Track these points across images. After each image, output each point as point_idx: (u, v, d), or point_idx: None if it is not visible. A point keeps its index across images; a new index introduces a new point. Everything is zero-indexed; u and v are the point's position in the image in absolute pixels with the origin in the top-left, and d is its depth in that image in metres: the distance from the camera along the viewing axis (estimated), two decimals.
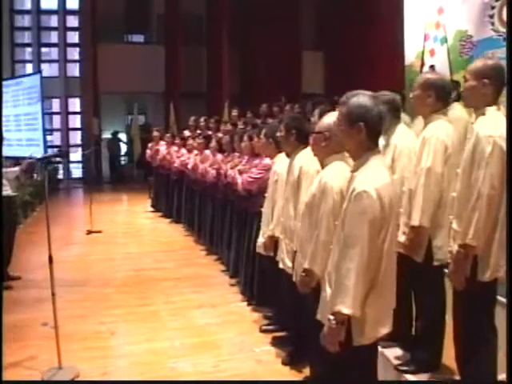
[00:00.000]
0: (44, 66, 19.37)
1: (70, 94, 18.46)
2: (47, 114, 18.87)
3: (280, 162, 3.71)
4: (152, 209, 10.74)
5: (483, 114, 2.49)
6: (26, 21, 19.10)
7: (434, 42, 7.29)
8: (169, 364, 3.63)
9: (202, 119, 9.79)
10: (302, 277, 2.64)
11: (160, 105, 17.68)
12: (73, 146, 18.91)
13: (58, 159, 13.89)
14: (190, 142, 8.41)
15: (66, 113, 19.00)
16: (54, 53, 19.40)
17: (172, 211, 9.41)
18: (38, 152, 19.63)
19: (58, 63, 19.14)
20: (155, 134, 10.72)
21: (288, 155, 3.50)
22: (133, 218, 10.31)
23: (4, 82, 18.93)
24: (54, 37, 19.31)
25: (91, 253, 7.26)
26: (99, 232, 8.57)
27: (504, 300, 2.61)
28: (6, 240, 5.64)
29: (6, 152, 21.58)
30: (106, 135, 18.86)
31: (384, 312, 2.15)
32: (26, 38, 19.40)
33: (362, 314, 2.06)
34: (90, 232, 8.57)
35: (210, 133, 8.57)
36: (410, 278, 2.87)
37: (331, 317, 2.05)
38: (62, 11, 18.84)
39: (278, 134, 3.46)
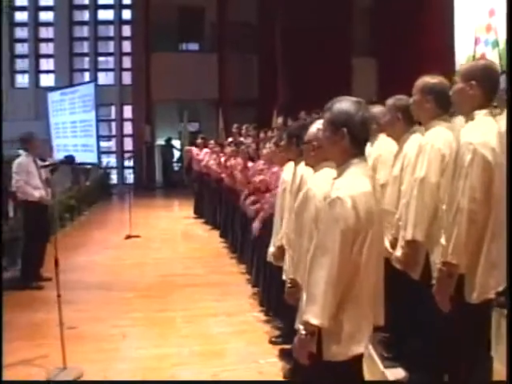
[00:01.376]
0: (101, 75, 20.13)
1: (125, 102, 19.04)
2: (104, 120, 19.59)
3: (288, 170, 3.66)
4: (194, 215, 10.86)
5: (472, 119, 2.31)
6: (84, 31, 19.85)
7: (485, 46, 7.00)
8: (170, 371, 3.63)
9: (234, 126, 9.87)
10: (287, 287, 2.57)
11: (213, 112, 17.93)
12: (127, 151, 19.49)
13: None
14: (227, 149, 8.48)
15: (121, 120, 19.66)
16: (110, 62, 20.08)
17: (212, 218, 9.49)
18: (92, 157, 20.19)
19: (114, 72, 19.82)
20: (199, 140, 10.90)
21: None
22: (173, 224, 10.46)
23: (62, 90, 19.84)
24: (110, 46, 20.00)
25: (124, 257, 7.40)
26: (137, 237, 8.73)
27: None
28: (39, 243, 5.85)
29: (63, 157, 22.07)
30: (160, 142, 19.28)
31: (360, 330, 2.02)
32: (85, 47, 20.13)
33: (334, 327, 1.97)
34: (128, 237, 8.75)
35: (241, 139, 8.62)
36: (406, 295, 2.73)
37: (301, 326, 1.98)
38: (118, 21, 19.52)
39: (282, 142, 3.42)
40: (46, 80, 20.13)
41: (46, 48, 19.89)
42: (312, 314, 1.93)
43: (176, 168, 20.00)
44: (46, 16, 19.62)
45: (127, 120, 19.41)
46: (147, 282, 5.96)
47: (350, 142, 2.05)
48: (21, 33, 19.71)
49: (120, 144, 19.75)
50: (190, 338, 4.27)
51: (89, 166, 17.94)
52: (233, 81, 16.76)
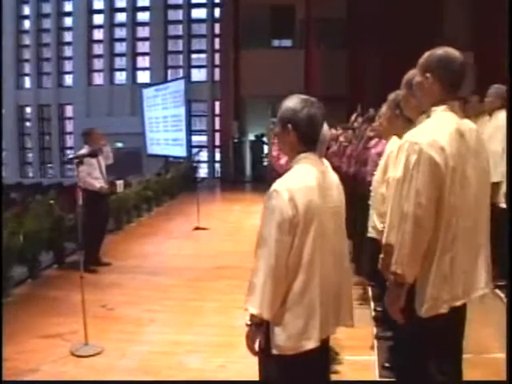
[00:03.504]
0: (194, 72, 20.92)
1: (217, 98, 19.61)
2: (197, 116, 20.36)
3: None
4: None
5: (429, 116, 2.12)
6: (178, 29, 20.68)
7: None
8: (179, 357, 3.75)
9: None
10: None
11: None
12: (217, 146, 20.10)
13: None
14: None
15: (212, 115, 20.31)
16: (203, 59, 20.77)
17: None
18: (181, 151, 21.02)
19: (206, 68, 20.48)
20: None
21: None
22: (245, 218, 10.63)
23: (155, 87, 20.82)
24: (203, 44, 20.69)
25: (186, 247, 7.68)
26: (206, 229, 9.01)
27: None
28: (96, 229, 6.27)
29: (156, 151, 23.55)
30: (251, 137, 19.64)
31: (309, 326, 2.00)
32: (179, 45, 20.97)
33: (280, 321, 1.98)
34: (197, 228, 9.06)
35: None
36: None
37: (247, 317, 2.01)
38: (210, 19, 20.13)
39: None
40: (143, 77, 21.26)
41: (143, 46, 20.98)
42: (251, 303, 1.96)
43: (265, 163, 20.34)
44: (142, 16, 20.69)
45: (218, 116, 19.97)
46: (196, 273, 6.16)
47: (297, 138, 2.07)
48: (119, 33, 20.97)
49: (212, 139, 20.42)
50: (212, 327, 4.38)
51: (173, 159, 18.81)
52: (320, 76, 16.65)
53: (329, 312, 2.08)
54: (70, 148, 21.50)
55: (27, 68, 21.56)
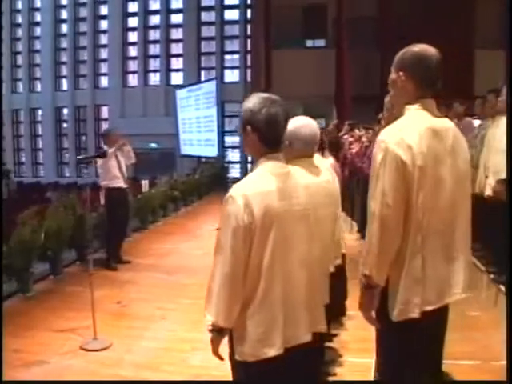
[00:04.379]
0: (227, 73, 21.11)
1: None
2: (229, 116, 20.52)
3: None
4: None
5: (403, 115, 2.04)
6: (211, 31, 20.90)
7: None
8: (183, 354, 3.82)
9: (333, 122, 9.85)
10: None
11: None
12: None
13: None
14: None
15: None
16: (236, 60, 20.94)
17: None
18: (212, 152, 21.25)
19: (239, 69, 20.63)
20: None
21: None
22: None
23: (188, 88, 21.07)
24: (235, 45, 20.85)
25: (205, 247, 7.72)
26: None
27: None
28: (117, 227, 6.42)
29: (189, 151, 23.85)
30: None
31: (271, 334, 1.94)
32: (212, 46, 21.19)
33: (241, 328, 1.95)
34: (219, 228, 9.12)
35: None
36: None
37: (209, 322, 1.98)
38: (243, 21, 20.26)
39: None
40: (176, 78, 21.57)
41: (176, 48, 21.30)
42: (208, 311, 1.94)
43: None
44: (176, 18, 20.99)
45: None
46: None
47: (259, 139, 1.98)
48: (153, 35, 21.34)
49: None
50: None
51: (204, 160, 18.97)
52: (352, 76, 16.52)
53: (296, 320, 2.00)
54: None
55: (65, 70, 22.17)
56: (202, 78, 21.11)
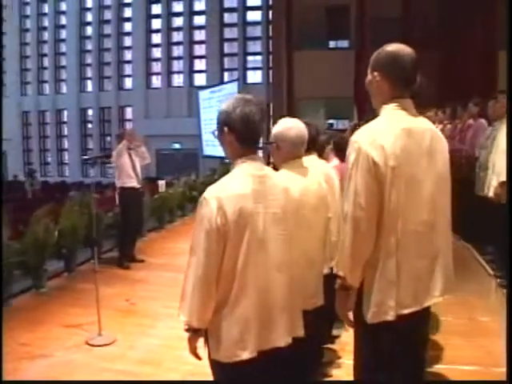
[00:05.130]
0: (250, 74, 21.21)
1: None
2: None
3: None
4: None
5: (379, 115, 2.01)
6: (234, 32, 21.03)
7: None
8: (182, 351, 3.85)
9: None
10: None
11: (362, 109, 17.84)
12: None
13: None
14: None
15: (267, 116, 20.46)
16: (259, 61, 21.01)
17: None
18: None
19: (262, 70, 20.70)
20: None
21: None
22: None
23: (211, 89, 21.26)
24: (258, 46, 20.93)
25: None
26: None
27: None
28: (130, 226, 6.53)
29: (211, 152, 24.11)
30: None
31: (244, 337, 1.94)
32: (234, 48, 21.31)
33: (215, 330, 1.96)
34: None
35: None
36: None
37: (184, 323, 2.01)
38: (265, 22, 20.33)
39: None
40: (199, 79, 21.77)
41: (199, 49, 21.50)
42: (182, 311, 1.97)
43: None
44: (199, 20, 21.19)
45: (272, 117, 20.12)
46: None
47: (236, 140, 1.99)
48: (177, 36, 21.58)
49: (266, 139, 20.58)
50: None
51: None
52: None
53: (271, 323, 2.00)
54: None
55: (89, 72, 22.59)
56: (225, 79, 21.26)
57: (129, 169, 6.37)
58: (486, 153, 5.18)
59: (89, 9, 22.28)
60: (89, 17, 22.42)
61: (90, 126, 23.01)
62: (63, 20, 22.64)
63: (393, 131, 1.89)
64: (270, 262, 1.97)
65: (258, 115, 1.99)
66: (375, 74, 2.01)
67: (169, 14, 21.46)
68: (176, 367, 3.62)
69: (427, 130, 1.99)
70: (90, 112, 22.87)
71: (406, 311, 1.91)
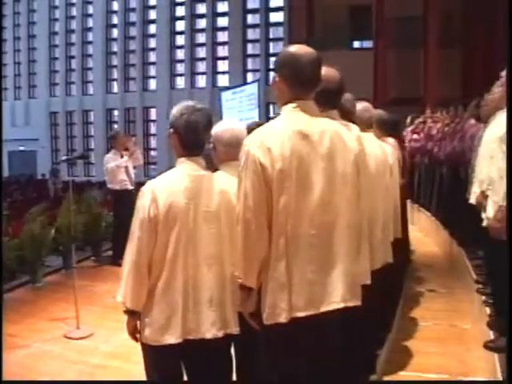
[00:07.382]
0: (273, 75, 21.27)
1: None
2: (273, 118, 20.67)
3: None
4: None
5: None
6: (256, 33, 21.14)
7: None
8: None
9: None
10: None
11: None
12: None
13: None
14: None
15: None
16: None
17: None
18: None
19: None
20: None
21: None
22: None
23: (233, 90, 21.40)
24: (280, 47, 20.98)
25: None
26: None
27: None
28: (123, 225, 6.67)
29: None
30: None
31: (172, 320, 2.10)
32: (257, 49, 21.43)
33: (146, 313, 2.12)
34: None
35: None
36: None
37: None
38: (288, 23, 20.36)
39: None
40: (222, 80, 21.96)
41: (222, 51, 21.69)
42: (118, 292, 2.16)
43: None
44: (222, 21, 21.37)
45: None
46: None
47: (179, 142, 2.20)
48: (200, 38, 21.83)
49: None
50: None
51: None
52: (391, 78, 16.29)
53: (198, 314, 2.11)
54: (154, 149, 22.76)
55: (115, 73, 23.06)
56: (248, 80, 21.39)
57: (122, 173, 6.50)
58: (473, 156, 5.08)
59: (115, 12, 22.76)
60: (115, 19, 22.89)
61: (115, 126, 23.45)
62: (90, 23, 23.20)
63: (283, 133, 1.88)
64: (199, 257, 2.13)
65: (203, 124, 2.19)
66: (276, 75, 2.00)
67: (192, 16, 21.71)
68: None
69: (326, 132, 1.93)
70: (116, 113, 23.35)
71: (300, 314, 1.87)
